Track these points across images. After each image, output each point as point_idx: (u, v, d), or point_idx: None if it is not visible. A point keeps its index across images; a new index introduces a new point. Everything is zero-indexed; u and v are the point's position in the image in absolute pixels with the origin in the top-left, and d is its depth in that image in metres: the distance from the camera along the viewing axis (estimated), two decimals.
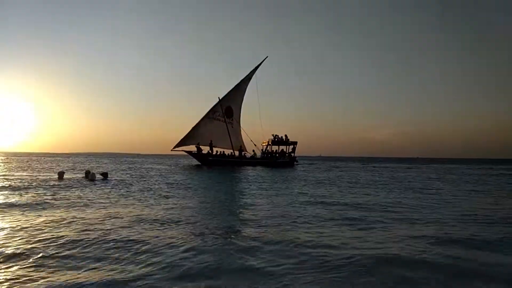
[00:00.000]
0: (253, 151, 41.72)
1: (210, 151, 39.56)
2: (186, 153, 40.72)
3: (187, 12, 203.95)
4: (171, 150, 40.08)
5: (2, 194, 11.96)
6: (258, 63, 42.81)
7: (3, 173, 22.44)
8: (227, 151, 40.56)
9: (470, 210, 10.38)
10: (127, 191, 13.39)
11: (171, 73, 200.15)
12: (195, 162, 41.05)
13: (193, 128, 40.12)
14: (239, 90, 42.44)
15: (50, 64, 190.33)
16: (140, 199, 11.33)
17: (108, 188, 14.15)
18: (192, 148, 39.72)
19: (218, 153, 39.87)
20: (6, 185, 14.71)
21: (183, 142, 40.03)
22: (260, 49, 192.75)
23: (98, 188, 14.15)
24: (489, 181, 22.50)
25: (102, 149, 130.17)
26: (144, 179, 18.95)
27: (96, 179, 17.17)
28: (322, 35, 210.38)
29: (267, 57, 43.59)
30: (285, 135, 42.28)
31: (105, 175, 17.93)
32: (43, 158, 70.63)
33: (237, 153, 40.62)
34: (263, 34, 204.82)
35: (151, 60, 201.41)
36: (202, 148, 39.54)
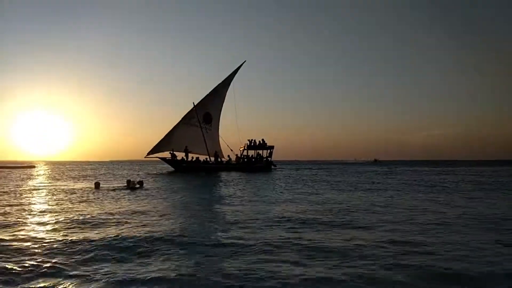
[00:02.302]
0: (228, 156, 41.14)
1: (185, 157, 38.79)
2: (160, 160, 39.84)
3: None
4: (145, 157, 39.16)
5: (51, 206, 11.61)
6: (236, 67, 42.36)
7: (47, 183, 22.72)
8: (202, 157, 39.84)
9: None
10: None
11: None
12: (169, 168, 40.18)
13: (168, 134, 39.33)
14: (218, 95, 41.72)
15: (87, 80, 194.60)
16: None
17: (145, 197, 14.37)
18: (166, 154, 38.92)
19: (192, 159, 39.10)
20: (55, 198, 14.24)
21: (157, 148, 39.17)
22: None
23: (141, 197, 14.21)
24: None
25: (135, 157, 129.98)
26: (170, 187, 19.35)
27: (135, 187, 17.73)
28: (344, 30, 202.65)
29: (245, 61, 43.06)
30: (262, 139, 41.90)
31: (141, 183, 18.42)
32: (80, 166, 72.70)
33: (213, 159, 39.95)
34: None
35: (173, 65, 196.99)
36: (177, 154, 38.79)
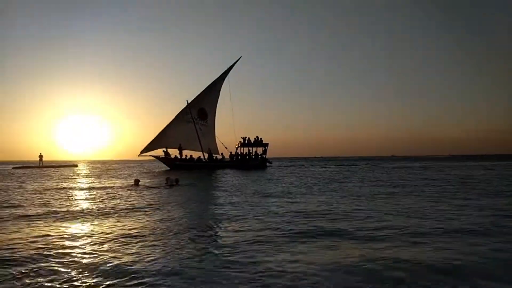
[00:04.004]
0: (222, 154, 40.93)
1: (179, 155, 38.55)
2: (153, 158, 39.56)
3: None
4: (138, 156, 38.86)
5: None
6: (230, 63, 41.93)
7: (91, 180, 23.94)
8: (196, 155, 39.64)
9: None
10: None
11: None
12: (164, 167, 39.93)
13: (161, 132, 39.02)
14: (212, 91, 41.35)
15: (121, 83, 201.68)
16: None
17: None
18: (159, 152, 38.67)
19: (186, 157, 38.87)
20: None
21: (151, 146, 38.85)
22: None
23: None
24: None
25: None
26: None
27: (173, 184, 18.58)
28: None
29: (240, 57, 42.50)
30: (257, 137, 41.73)
31: (177, 181, 19.18)
32: (118, 164, 76.62)
33: (207, 155, 39.72)
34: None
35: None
36: (170, 152, 38.57)
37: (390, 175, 26.41)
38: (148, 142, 38.78)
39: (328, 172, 31.74)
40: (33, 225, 7.96)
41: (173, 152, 38.74)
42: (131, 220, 8.54)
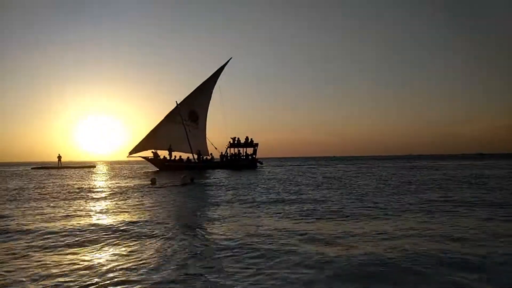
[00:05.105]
0: (211, 154, 40.90)
1: (169, 156, 38.45)
2: (143, 159, 39.38)
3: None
4: (127, 157, 38.65)
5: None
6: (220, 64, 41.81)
7: (110, 180, 24.88)
8: (185, 156, 39.58)
9: None
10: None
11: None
12: (152, 167, 39.74)
13: (151, 133, 38.88)
14: (204, 93, 41.22)
15: (135, 83, 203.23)
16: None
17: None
18: (149, 153, 38.55)
19: (175, 158, 38.80)
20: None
21: (140, 147, 38.68)
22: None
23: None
24: None
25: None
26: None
27: (188, 182, 18.87)
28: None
29: (231, 58, 42.41)
30: (246, 137, 41.76)
31: (192, 179, 19.54)
32: (133, 165, 76.30)
33: (196, 157, 39.69)
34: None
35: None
36: (160, 154, 38.47)
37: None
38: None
39: (342, 172, 31.63)
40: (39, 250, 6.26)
41: (161, 153, 38.69)
42: (156, 241, 6.74)
